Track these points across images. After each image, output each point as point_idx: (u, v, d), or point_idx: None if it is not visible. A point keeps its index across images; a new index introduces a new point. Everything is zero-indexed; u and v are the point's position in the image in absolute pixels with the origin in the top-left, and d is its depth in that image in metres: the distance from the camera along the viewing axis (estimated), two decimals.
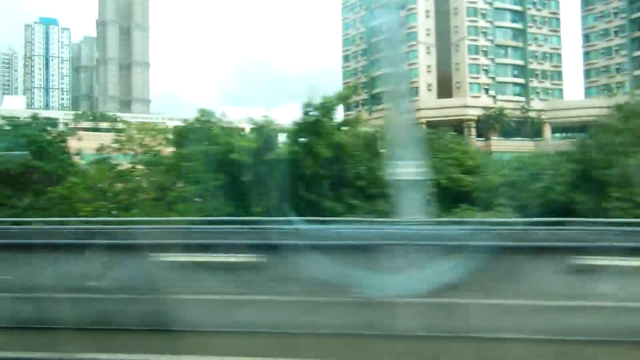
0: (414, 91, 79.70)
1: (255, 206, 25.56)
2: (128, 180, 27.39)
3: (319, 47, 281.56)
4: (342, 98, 28.85)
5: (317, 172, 24.92)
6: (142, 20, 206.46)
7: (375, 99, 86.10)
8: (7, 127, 31.64)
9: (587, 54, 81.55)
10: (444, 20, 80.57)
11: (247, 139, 25.32)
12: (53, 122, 31.32)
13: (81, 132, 36.10)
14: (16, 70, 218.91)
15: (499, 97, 77.79)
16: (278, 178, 25.16)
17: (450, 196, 24.01)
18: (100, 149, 29.97)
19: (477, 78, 77.70)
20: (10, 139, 29.74)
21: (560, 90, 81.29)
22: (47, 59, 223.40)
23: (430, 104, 76.76)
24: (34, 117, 31.33)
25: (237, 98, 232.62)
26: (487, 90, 77.87)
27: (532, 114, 75.51)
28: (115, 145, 29.74)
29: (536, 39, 79.71)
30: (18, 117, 37.80)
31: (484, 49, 77.80)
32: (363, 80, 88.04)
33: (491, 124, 75.82)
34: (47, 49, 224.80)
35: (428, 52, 79.95)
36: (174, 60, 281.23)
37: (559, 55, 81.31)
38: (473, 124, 75.61)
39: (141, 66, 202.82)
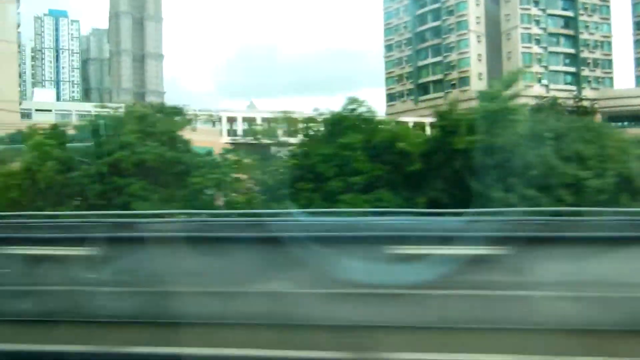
0: (465, 81, 78.83)
1: (421, 197, 24.76)
2: (273, 171, 26.43)
3: (336, 40, 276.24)
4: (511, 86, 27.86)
5: (485, 162, 24.04)
6: (155, 11, 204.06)
7: (421, 89, 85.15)
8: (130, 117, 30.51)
9: (637, 42, 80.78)
10: (494, 8, 79.44)
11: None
12: (178, 112, 30.12)
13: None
14: (24, 64, 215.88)
15: (551, 86, 76.90)
16: (446, 168, 24.32)
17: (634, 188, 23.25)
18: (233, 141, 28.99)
19: (530, 67, 76.65)
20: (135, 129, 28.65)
21: (611, 79, 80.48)
22: (57, 52, 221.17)
23: None
24: (160, 106, 30.13)
25: (240, 89, 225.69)
26: (539, 80, 76.90)
27: (585, 103, 74.77)
28: (249, 137, 28.72)
29: (587, 27, 78.69)
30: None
31: (537, 37, 76.78)
32: (408, 70, 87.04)
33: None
34: (57, 41, 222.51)
35: (479, 41, 78.84)
36: (172, 50, 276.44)
37: (610, 43, 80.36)
38: None
39: (155, 58, 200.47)
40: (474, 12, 78.61)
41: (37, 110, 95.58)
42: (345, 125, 25.70)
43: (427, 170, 24.10)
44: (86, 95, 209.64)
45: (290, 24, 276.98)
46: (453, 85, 79.95)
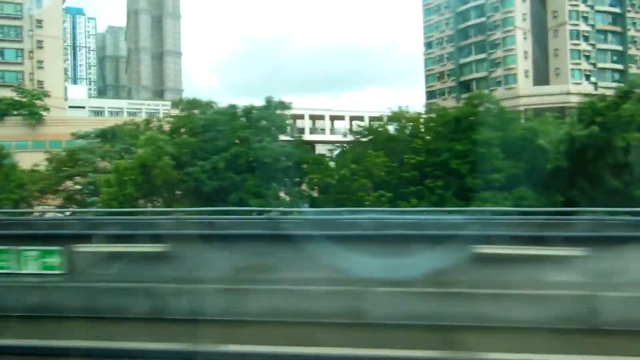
0: (512, 78, 77.96)
1: (559, 195, 23.98)
2: (397, 168, 25.61)
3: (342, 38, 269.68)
4: None
5: (630, 160, 23.23)
6: (174, 9, 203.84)
7: (463, 87, 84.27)
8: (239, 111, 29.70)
9: None
10: (540, 5, 78.53)
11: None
12: (286, 106, 29.23)
13: None
14: None
15: (599, 83, 75.94)
16: (589, 166, 23.51)
17: None
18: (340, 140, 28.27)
19: (578, 64, 75.77)
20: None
21: None
22: (74, 49, 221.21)
23: (530, 91, 75.02)
24: (268, 100, 29.30)
25: (244, 86, 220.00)
26: (588, 77, 75.94)
27: None
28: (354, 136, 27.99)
29: (634, 23, 77.73)
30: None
31: (585, 34, 75.82)
32: (449, 67, 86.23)
33: None
34: (74, 39, 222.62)
35: (525, 38, 77.92)
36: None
37: None
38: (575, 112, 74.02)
39: (173, 55, 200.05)
40: (521, 9, 77.73)
41: (70, 107, 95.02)
42: (475, 121, 24.92)
43: (569, 168, 23.29)
44: (102, 93, 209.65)
45: (293, 23, 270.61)
46: (498, 83, 79.11)
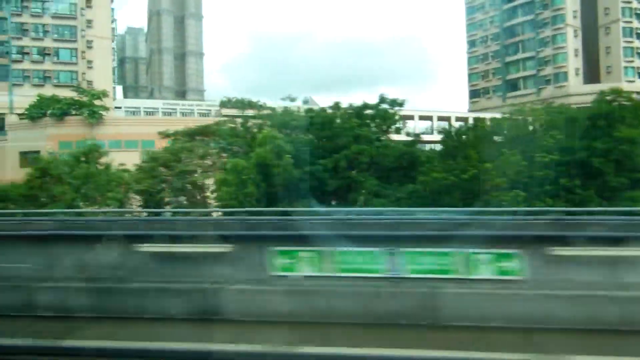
0: (563, 76, 76.74)
1: None
2: (530, 167, 24.62)
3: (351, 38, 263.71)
4: None
5: None
6: (196, 9, 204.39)
7: (509, 85, 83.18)
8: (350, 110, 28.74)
9: None
10: (590, 2, 77.24)
11: None
12: (399, 103, 28.28)
13: None
14: None
15: None
16: None
17: None
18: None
19: (631, 62, 74.42)
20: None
21: None
22: None
23: (581, 89, 73.70)
24: (382, 97, 28.43)
25: (254, 86, 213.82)
26: None
27: None
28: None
29: None
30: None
31: (638, 31, 74.51)
32: (494, 66, 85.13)
33: None
34: None
35: (575, 36, 76.65)
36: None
37: None
38: None
39: (195, 56, 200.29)
40: (571, 6, 76.52)
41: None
42: (612, 118, 23.95)
43: None
44: (123, 94, 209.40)
45: (302, 22, 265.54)
46: (547, 81, 77.92)
